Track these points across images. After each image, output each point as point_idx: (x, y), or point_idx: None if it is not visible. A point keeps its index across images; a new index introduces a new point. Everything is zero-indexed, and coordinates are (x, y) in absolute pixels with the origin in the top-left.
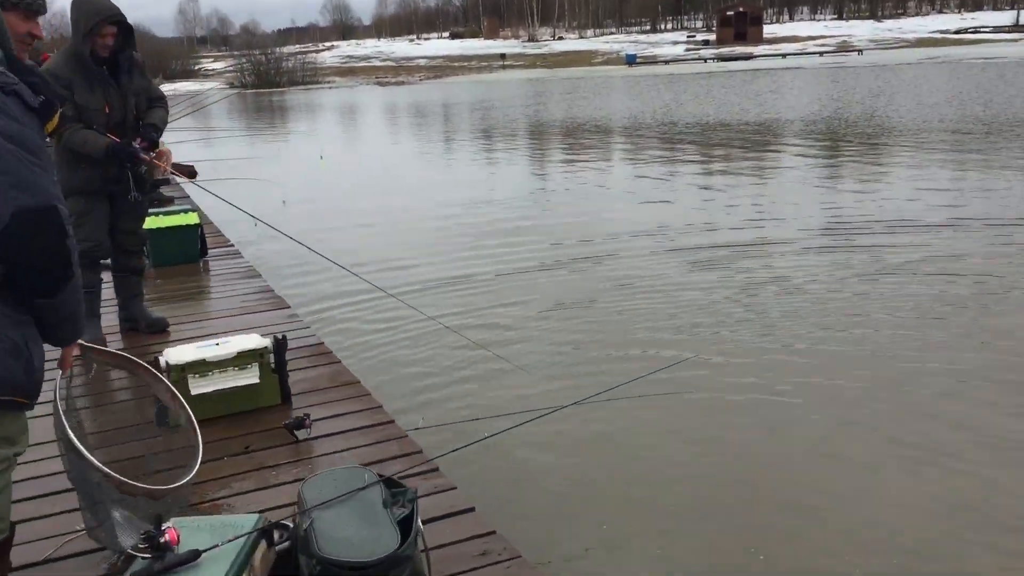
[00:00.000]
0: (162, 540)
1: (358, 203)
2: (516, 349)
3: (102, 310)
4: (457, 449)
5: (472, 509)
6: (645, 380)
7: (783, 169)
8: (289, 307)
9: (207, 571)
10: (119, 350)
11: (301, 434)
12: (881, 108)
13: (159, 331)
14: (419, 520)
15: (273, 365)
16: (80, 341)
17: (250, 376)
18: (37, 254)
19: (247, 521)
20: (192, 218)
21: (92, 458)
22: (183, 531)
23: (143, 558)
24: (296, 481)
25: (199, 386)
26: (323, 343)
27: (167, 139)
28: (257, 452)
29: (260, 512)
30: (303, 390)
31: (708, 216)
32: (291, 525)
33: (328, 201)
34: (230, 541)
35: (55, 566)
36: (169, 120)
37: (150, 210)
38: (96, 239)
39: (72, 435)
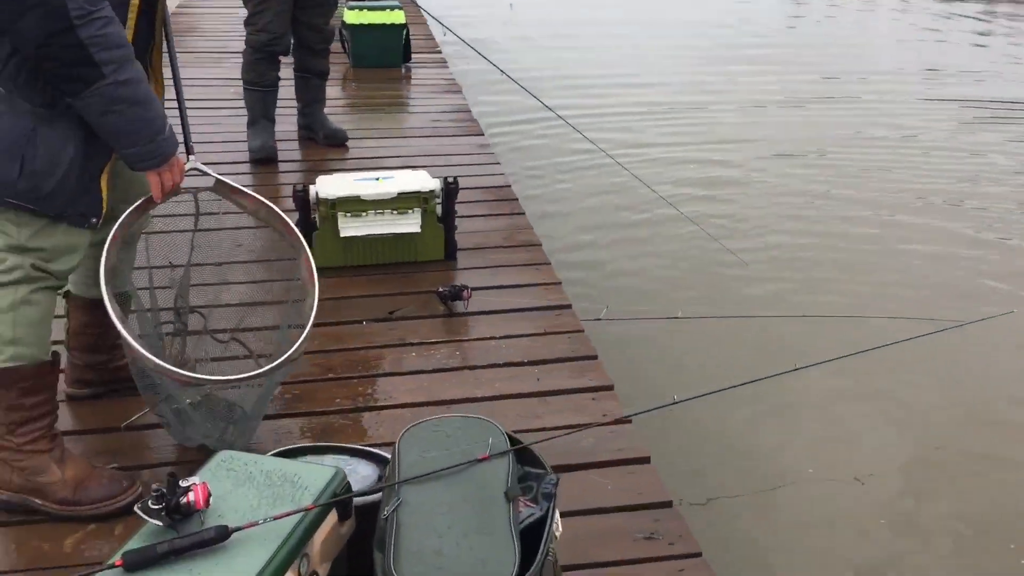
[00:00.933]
0: (182, 501)
1: (588, 15)
2: (742, 230)
3: (279, 114)
4: (650, 410)
5: (647, 460)
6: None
7: None
8: (483, 134)
9: (233, 562)
10: (292, 161)
11: (456, 306)
12: None
13: (337, 144)
14: (555, 523)
15: (440, 213)
16: (208, 171)
17: (410, 223)
18: (29, 35)
19: (318, 478)
20: (397, 16)
21: (120, 326)
22: (227, 479)
23: (153, 523)
24: (436, 371)
25: (350, 227)
26: (510, 186)
27: None
28: (400, 321)
29: (385, 408)
30: (473, 245)
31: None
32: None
33: (555, 12)
34: (276, 519)
35: (133, 436)
36: None
37: (354, 3)
38: (274, 31)
39: (105, 291)
